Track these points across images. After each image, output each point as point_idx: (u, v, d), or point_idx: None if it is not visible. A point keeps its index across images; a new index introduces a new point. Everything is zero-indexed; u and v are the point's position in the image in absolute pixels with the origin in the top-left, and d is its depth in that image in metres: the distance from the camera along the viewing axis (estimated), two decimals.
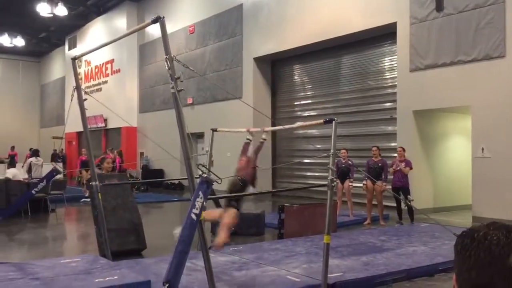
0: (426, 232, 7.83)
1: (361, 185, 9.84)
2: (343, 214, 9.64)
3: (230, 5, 16.23)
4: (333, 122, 4.51)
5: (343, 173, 9.44)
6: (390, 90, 12.18)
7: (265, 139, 5.75)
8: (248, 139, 5.86)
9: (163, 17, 3.93)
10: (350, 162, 9.59)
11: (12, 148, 23.76)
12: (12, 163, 12.18)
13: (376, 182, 8.71)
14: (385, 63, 12.50)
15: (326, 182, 4.52)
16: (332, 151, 4.44)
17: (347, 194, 9.71)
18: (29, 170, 13.12)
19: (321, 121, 5.08)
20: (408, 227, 8.75)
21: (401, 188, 8.94)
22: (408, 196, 8.88)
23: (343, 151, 9.50)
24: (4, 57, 30.99)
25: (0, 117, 30.51)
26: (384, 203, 9.54)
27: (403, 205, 9.14)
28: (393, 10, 11.19)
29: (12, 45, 26.97)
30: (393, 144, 11.64)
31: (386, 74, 12.46)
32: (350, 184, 9.57)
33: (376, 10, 11.59)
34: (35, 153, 14.02)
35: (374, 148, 9.39)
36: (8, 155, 22.41)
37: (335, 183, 4.52)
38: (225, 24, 16.50)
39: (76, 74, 5.79)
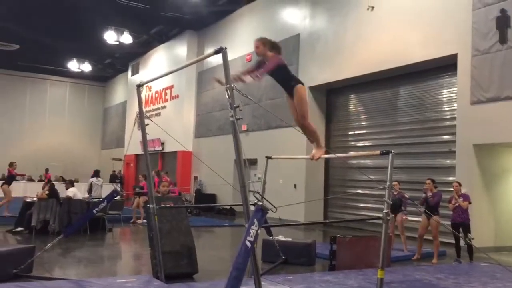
0: (486, 272, 7.46)
1: (417, 219, 9.54)
2: (396, 248, 9.37)
3: (287, 35, 16.50)
4: (390, 154, 4.45)
5: (396, 206, 9.20)
6: (448, 123, 11.86)
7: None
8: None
9: (225, 48, 4.07)
10: (406, 195, 9.35)
11: (46, 170, 23.08)
12: (71, 182, 12.73)
13: (432, 216, 8.43)
14: (444, 94, 12.22)
15: (379, 214, 4.45)
16: (388, 183, 4.37)
17: (400, 228, 9.44)
18: (89, 190, 13.80)
19: (377, 152, 5.01)
20: (467, 265, 8.37)
21: (461, 224, 8.60)
22: (468, 234, 8.51)
23: (395, 183, 9.26)
24: (72, 81, 32.89)
25: (66, 138, 32.21)
26: (441, 239, 9.18)
27: (462, 242, 8.77)
28: (454, 41, 10.98)
29: (79, 70, 28.59)
30: (451, 178, 11.24)
31: (445, 106, 12.15)
32: (405, 217, 9.32)
33: (436, 41, 11.42)
34: (96, 173, 14.77)
35: (428, 181, 9.07)
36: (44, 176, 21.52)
37: (390, 216, 4.43)
38: (282, 53, 16.71)
39: (140, 100, 6.06)
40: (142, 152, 8.05)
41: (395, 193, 9.23)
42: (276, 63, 5.00)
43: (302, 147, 13.91)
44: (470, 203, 8.71)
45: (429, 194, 8.78)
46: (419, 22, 11.92)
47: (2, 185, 13.68)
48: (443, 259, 9.16)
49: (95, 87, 34.52)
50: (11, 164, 13.74)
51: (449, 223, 8.73)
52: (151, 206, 5.96)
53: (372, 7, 13.00)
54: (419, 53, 11.81)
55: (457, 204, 8.67)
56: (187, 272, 6.73)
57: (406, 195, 9.41)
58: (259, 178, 13.35)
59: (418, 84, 12.91)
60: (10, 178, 13.70)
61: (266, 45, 5.15)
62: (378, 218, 4.37)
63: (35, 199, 11.36)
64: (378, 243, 5.66)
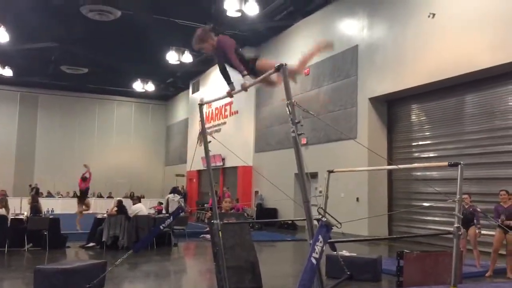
0: None
1: (491, 233, 9.05)
2: (468, 263, 8.92)
3: (345, 47, 16.37)
4: (459, 166, 4.27)
5: (467, 220, 8.79)
6: None
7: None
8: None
9: (286, 64, 4.09)
10: (478, 209, 8.92)
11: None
12: (138, 199, 13.20)
13: (508, 231, 8.00)
14: None
15: (447, 228, 4.26)
16: (458, 196, 4.19)
17: (473, 242, 8.99)
18: (166, 206, 14.53)
19: (445, 163, 4.81)
20: None
21: None
22: None
23: (465, 196, 8.86)
24: (136, 101, 34.35)
25: (131, 155, 33.54)
26: None
27: None
28: None
29: (143, 90, 29.80)
30: None
31: None
32: (478, 231, 8.86)
33: (503, 46, 10.90)
34: (173, 190, 15.61)
35: (502, 192, 8.62)
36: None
37: (461, 231, 4.24)
38: (340, 65, 16.63)
39: (202, 119, 6.19)
40: (204, 168, 8.26)
41: (466, 206, 8.83)
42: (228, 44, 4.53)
43: (364, 160, 13.67)
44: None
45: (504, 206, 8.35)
46: (484, 27, 11.45)
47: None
48: None
49: (158, 106, 35.79)
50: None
51: None
52: (215, 222, 6.05)
53: (433, 14, 12.65)
54: (486, 59, 11.32)
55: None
56: (251, 287, 6.75)
57: (478, 209, 8.97)
58: (320, 192, 13.22)
59: (486, 91, 12.35)
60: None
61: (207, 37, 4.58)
62: (449, 233, 4.20)
63: (105, 215, 11.86)
64: (448, 258, 5.43)
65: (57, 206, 23.40)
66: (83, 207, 14.33)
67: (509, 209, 8.40)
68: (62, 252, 10.75)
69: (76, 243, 11.58)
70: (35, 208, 12.08)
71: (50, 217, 11.76)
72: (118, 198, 14.09)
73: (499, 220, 8.20)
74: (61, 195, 28.31)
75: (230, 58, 4.54)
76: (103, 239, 11.10)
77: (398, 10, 14.29)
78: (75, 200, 27.36)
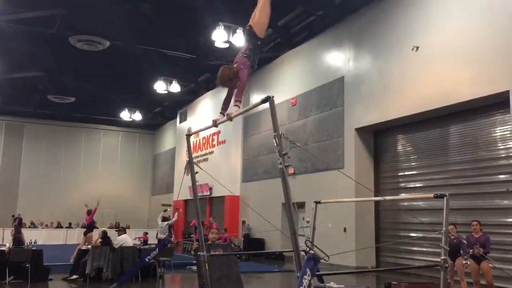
0: None
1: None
2: None
3: (331, 78, 16.62)
4: (445, 198, 4.30)
5: (454, 251, 8.80)
6: (504, 162, 11.40)
7: None
8: None
9: (273, 97, 4.13)
10: (463, 240, 8.96)
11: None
12: (123, 229, 12.98)
13: (487, 259, 8.04)
14: (497, 133, 11.82)
15: (435, 259, 4.27)
16: (444, 228, 4.21)
17: (460, 273, 8.98)
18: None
19: (431, 195, 4.85)
20: None
21: None
22: None
23: (451, 227, 8.90)
24: (123, 130, 34.22)
25: (118, 185, 33.15)
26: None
27: None
28: (504, 78, 10.70)
29: (131, 120, 29.77)
30: (509, 220, 10.71)
31: (499, 145, 11.73)
32: (465, 262, 8.87)
33: (486, 79, 11.16)
34: (164, 219, 15.89)
35: (474, 223, 8.74)
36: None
37: (449, 263, 4.24)
38: (327, 96, 16.83)
39: (190, 150, 6.19)
40: (191, 197, 8.19)
41: (452, 237, 8.85)
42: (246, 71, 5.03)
43: (351, 189, 13.70)
44: (484, 248, 8.25)
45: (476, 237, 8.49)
46: (467, 60, 11.73)
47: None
48: None
49: (145, 135, 35.68)
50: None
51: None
52: (201, 254, 5.98)
53: (417, 48, 12.95)
54: (469, 91, 11.56)
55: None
56: None
57: (464, 240, 9.00)
58: (308, 222, 13.16)
59: (469, 122, 12.56)
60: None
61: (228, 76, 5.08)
62: (436, 265, 4.19)
63: (89, 247, 11.65)
64: None
65: (41, 236, 22.99)
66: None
67: (480, 239, 8.50)
68: (45, 285, 10.49)
69: (59, 275, 11.31)
70: (17, 239, 11.82)
71: (33, 248, 11.49)
72: (103, 229, 13.88)
73: (465, 254, 8.40)
74: (46, 225, 27.80)
75: (243, 76, 5.01)
76: (87, 271, 10.85)
77: (383, 43, 14.60)
78: (58, 231, 26.88)
